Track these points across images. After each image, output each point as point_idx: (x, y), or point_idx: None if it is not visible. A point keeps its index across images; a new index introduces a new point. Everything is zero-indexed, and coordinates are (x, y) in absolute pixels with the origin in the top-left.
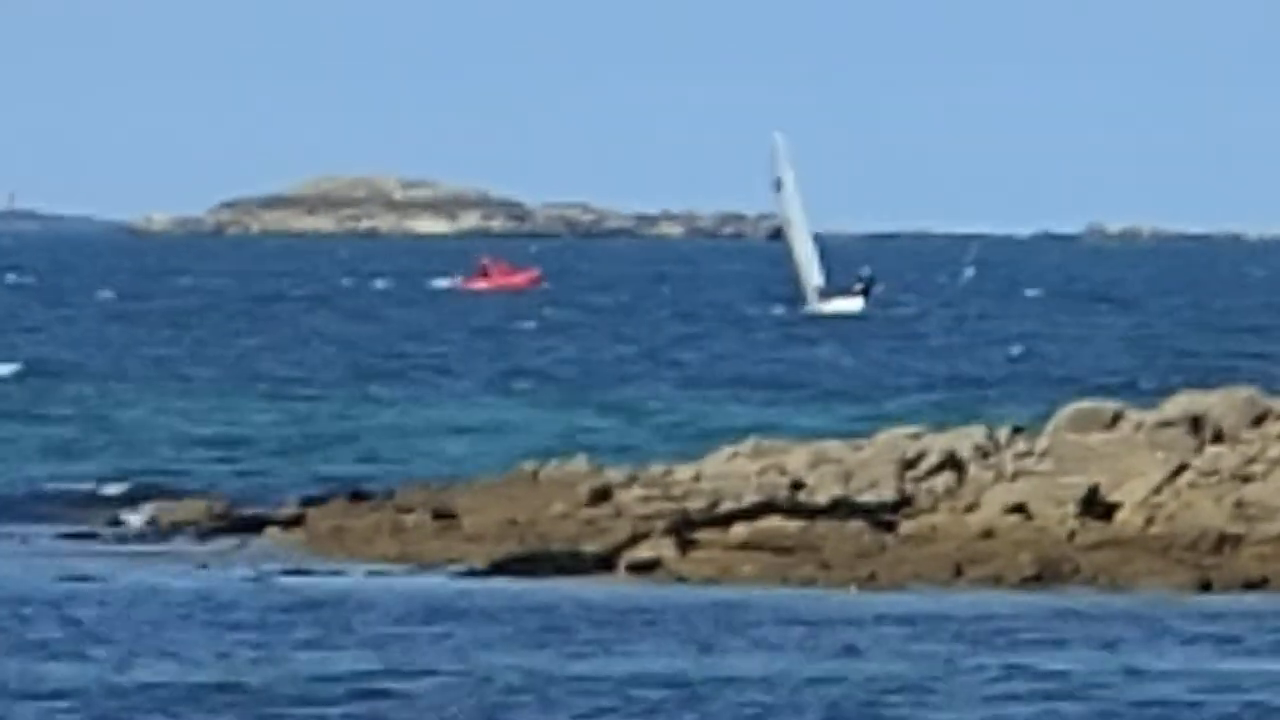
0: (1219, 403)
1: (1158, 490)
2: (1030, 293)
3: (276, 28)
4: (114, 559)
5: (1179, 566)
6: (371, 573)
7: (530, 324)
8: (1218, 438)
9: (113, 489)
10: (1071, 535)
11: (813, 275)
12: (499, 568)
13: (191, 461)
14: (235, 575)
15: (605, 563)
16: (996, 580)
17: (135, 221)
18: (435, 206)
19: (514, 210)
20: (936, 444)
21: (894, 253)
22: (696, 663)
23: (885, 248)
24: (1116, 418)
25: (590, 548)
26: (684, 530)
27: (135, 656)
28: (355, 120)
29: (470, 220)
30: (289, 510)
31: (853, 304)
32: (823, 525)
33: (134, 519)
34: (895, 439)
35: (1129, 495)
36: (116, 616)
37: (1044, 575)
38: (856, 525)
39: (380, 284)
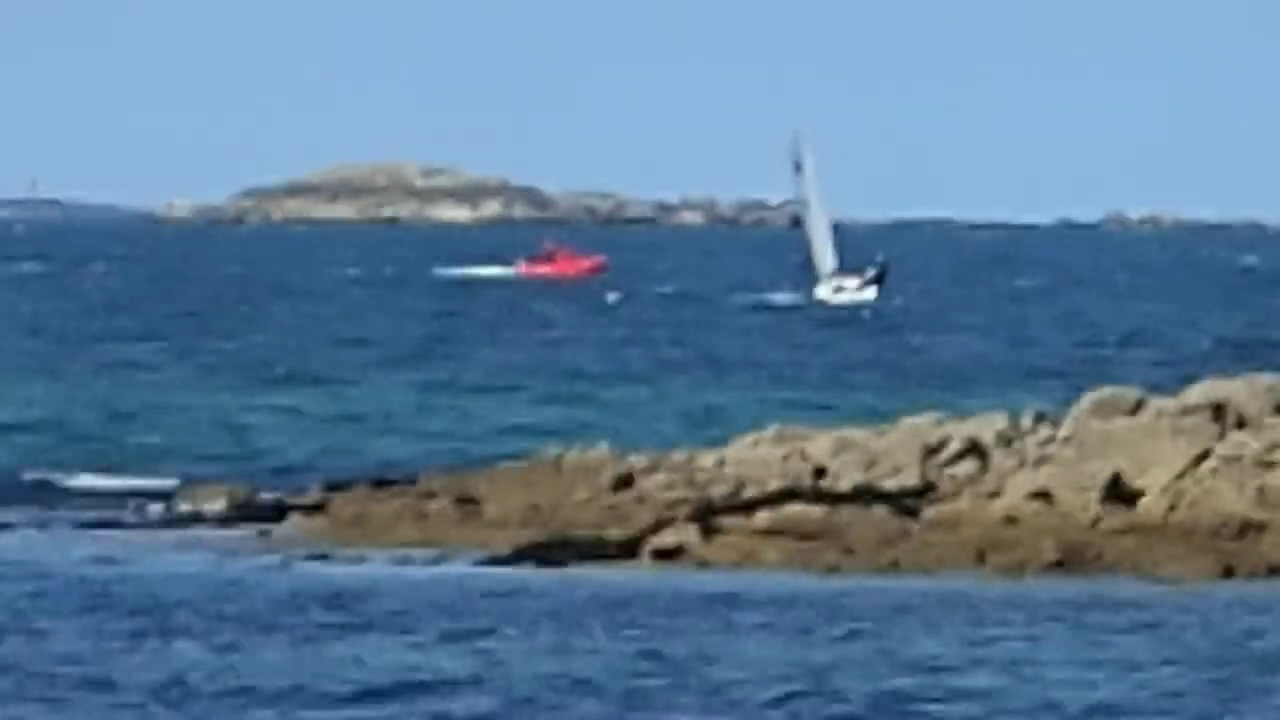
0: (1241, 389)
1: (1180, 477)
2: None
3: (299, 16)
4: (136, 546)
5: (1202, 553)
6: (394, 559)
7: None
8: (1240, 424)
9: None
10: (1095, 522)
11: (827, 260)
12: (522, 554)
13: (209, 448)
14: (258, 563)
15: (629, 549)
16: (1020, 566)
17: (157, 209)
18: (456, 194)
19: (534, 197)
20: (959, 431)
21: (910, 240)
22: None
23: (903, 236)
24: (1139, 404)
25: (614, 534)
26: (708, 516)
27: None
28: (376, 108)
29: (491, 208)
30: (312, 496)
31: (866, 293)
32: (846, 511)
33: (155, 506)
34: (918, 425)
35: (1152, 482)
36: (138, 601)
37: (1067, 561)
38: (880, 511)
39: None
